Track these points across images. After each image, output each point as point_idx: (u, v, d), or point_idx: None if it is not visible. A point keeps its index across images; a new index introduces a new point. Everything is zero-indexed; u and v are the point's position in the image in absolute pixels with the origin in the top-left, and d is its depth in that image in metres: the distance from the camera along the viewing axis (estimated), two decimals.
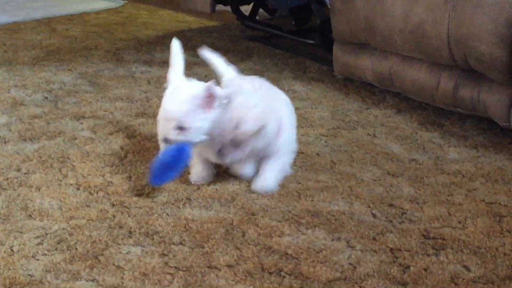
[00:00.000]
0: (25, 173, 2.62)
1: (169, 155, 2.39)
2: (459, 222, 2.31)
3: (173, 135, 2.37)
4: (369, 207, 2.42)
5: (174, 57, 2.71)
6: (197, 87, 2.43)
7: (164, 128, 2.41)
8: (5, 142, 2.88)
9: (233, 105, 2.41)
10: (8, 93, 3.44)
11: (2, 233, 2.21)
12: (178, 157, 2.39)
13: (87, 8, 5.25)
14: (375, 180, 2.61)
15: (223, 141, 2.41)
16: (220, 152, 2.42)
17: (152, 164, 2.44)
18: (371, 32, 3.27)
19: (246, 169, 2.55)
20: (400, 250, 2.15)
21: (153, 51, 4.19)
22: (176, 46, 2.72)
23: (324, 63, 3.94)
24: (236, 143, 2.40)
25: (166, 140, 2.39)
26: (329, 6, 3.62)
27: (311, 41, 4.08)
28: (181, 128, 2.37)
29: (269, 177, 2.53)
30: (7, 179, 2.57)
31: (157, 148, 2.80)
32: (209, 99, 2.37)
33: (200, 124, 2.38)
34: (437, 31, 2.94)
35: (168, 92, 2.52)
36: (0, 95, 3.40)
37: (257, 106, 2.43)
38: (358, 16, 3.31)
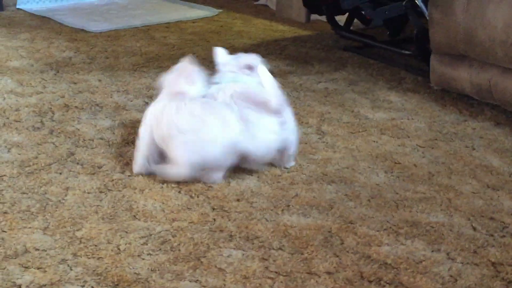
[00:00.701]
0: (129, 176, 2.71)
1: None
2: None
3: None
4: (469, 219, 2.39)
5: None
6: None
7: None
8: (109, 145, 2.99)
9: None
10: (111, 97, 3.57)
11: (109, 232, 2.30)
12: None
13: (184, 17, 5.37)
14: (474, 193, 2.58)
15: None
16: None
17: None
18: (470, 43, 3.24)
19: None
20: (502, 265, 2.12)
21: None
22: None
23: (420, 74, 3.91)
24: None
25: None
26: (427, 17, 3.60)
27: (407, 52, 4.06)
28: None
29: None
30: (112, 180, 2.67)
31: None
32: None
33: None
34: None
35: None
36: (103, 99, 3.53)
37: None
38: (458, 27, 3.28)
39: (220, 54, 2.98)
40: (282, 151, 2.73)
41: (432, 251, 2.20)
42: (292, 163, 2.80)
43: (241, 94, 2.73)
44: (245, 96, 2.73)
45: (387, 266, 2.12)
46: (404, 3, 3.90)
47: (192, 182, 2.64)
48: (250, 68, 2.86)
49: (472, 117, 3.31)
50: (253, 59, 2.90)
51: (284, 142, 2.71)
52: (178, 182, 2.64)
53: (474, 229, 2.33)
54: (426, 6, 3.70)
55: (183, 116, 2.61)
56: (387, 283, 2.03)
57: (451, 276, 2.07)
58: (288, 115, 2.77)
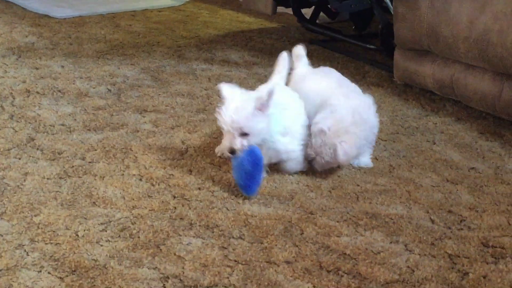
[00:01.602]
0: (89, 162, 2.69)
1: (246, 165, 2.45)
2: None
3: (238, 143, 2.44)
4: (428, 212, 2.42)
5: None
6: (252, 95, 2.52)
7: (226, 140, 2.48)
8: (70, 131, 2.96)
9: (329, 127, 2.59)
10: (73, 84, 3.53)
11: (68, 218, 2.28)
12: (255, 164, 2.45)
13: (150, 5, 5.34)
14: (434, 186, 2.61)
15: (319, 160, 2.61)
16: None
17: (235, 178, 2.50)
18: (434, 38, 3.27)
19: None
20: (459, 257, 2.15)
21: (214, 50, 4.24)
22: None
23: (384, 68, 3.94)
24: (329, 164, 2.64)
25: (232, 152, 2.46)
26: (392, 12, 3.62)
27: (371, 46, 4.08)
28: (244, 134, 2.44)
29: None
30: (72, 166, 2.65)
31: (218, 144, 2.85)
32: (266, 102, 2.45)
33: (260, 127, 2.46)
34: (502, 40, 2.92)
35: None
36: (65, 85, 3.49)
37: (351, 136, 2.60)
38: (422, 23, 3.30)
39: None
40: None
41: (391, 242, 2.22)
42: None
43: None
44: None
45: (346, 256, 2.13)
46: None
47: (153, 170, 2.63)
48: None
49: (433, 112, 3.34)
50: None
51: None
52: (139, 170, 2.63)
53: (432, 221, 2.36)
54: (391, 1, 3.73)
55: None
56: (346, 273, 2.04)
57: (408, 267, 2.09)
58: None
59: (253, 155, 2.44)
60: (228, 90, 2.50)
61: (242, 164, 2.44)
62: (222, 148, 2.56)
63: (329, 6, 4.35)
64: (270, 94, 2.43)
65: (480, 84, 3.14)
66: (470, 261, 2.12)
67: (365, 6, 4.00)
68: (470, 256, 2.15)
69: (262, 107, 2.44)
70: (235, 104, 2.44)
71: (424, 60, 3.43)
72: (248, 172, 2.44)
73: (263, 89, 2.56)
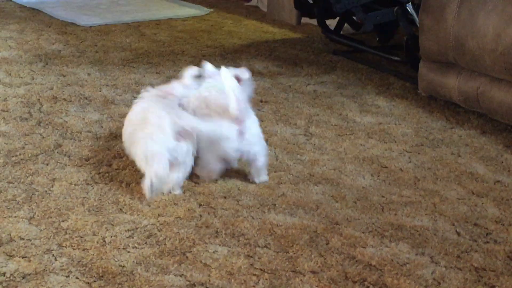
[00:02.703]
0: (116, 169, 2.71)
1: None
2: None
3: None
4: (453, 225, 2.41)
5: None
6: None
7: None
8: (97, 138, 2.98)
9: None
10: (100, 91, 3.56)
11: (95, 224, 2.30)
12: None
13: (174, 15, 5.37)
14: (459, 199, 2.61)
15: None
16: None
17: None
18: (460, 51, 3.26)
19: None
20: (485, 270, 2.14)
21: (238, 59, 4.26)
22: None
23: (408, 80, 3.94)
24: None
25: None
26: (417, 24, 3.62)
27: (396, 58, 4.08)
28: None
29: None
30: (99, 173, 2.67)
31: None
32: None
33: None
34: None
35: None
36: (92, 93, 3.52)
37: None
38: (448, 35, 3.30)
39: (209, 66, 2.78)
40: (249, 163, 2.64)
41: (416, 254, 2.22)
42: (265, 178, 2.67)
43: (201, 100, 2.63)
44: (205, 102, 2.62)
45: (372, 267, 2.13)
46: (395, 9, 3.92)
47: None
48: (238, 80, 2.66)
49: (458, 125, 3.34)
50: (242, 71, 2.73)
51: (245, 153, 2.60)
52: None
53: (458, 234, 2.35)
54: (417, 13, 3.73)
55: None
56: (371, 284, 2.04)
57: (434, 279, 2.08)
58: (253, 125, 2.63)
59: None
60: None
61: None
62: None
63: (354, 17, 4.36)
64: None
65: (506, 97, 3.13)
66: (496, 274, 2.12)
67: (391, 18, 4.01)
68: (496, 269, 2.14)
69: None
70: None
71: (449, 73, 3.43)
72: None
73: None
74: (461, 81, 3.36)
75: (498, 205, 2.56)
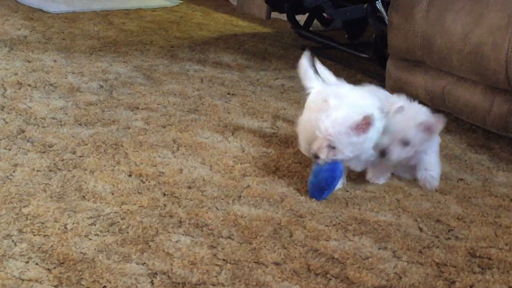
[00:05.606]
0: (80, 156, 2.68)
1: (323, 177, 2.49)
2: (506, 244, 2.31)
3: (324, 154, 2.45)
4: (416, 220, 2.43)
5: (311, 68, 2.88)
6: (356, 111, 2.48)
7: (315, 144, 2.49)
8: (61, 125, 2.94)
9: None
10: (65, 78, 3.52)
11: (57, 211, 2.27)
12: (331, 178, 2.49)
13: (143, 5, 5.33)
14: (422, 196, 2.62)
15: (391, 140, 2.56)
16: (386, 151, 2.56)
17: (309, 180, 2.53)
18: (428, 50, 3.29)
19: (382, 178, 2.69)
20: (446, 265, 2.16)
21: (206, 51, 4.24)
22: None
23: (376, 77, 3.96)
24: (405, 142, 2.56)
25: (316, 157, 2.48)
26: (386, 21, 3.64)
27: (364, 55, 4.10)
28: (333, 148, 2.45)
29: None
30: (62, 160, 2.63)
31: (209, 144, 2.85)
32: (364, 125, 2.44)
33: (352, 147, 2.46)
34: (496, 54, 2.94)
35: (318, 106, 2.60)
36: (57, 80, 3.48)
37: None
38: (416, 33, 3.32)
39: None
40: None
41: (379, 248, 2.23)
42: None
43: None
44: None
45: (334, 260, 2.14)
46: (365, 6, 3.94)
47: (143, 167, 2.62)
48: (429, 129, 2.64)
49: None
50: (437, 121, 2.66)
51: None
52: (129, 166, 2.62)
53: (421, 230, 2.37)
54: (386, 10, 3.75)
55: None
56: (334, 277, 2.05)
57: (396, 273, 2.10)
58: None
59: (335, 168, 2.48)
60: (335, 97, 2.51)
61: (321, 171, 2.48)
62: (311, 147, 2.52)
63: (324, 13, 4.37)
64: (369, 121, 2.43)
65: (471, 97, 3.16)
66: (457, 270, 2.14)
67: (360, 15, 4.02)
68: (457, 265, 2.16)
69: (358, 130, 2.44)
70: (336, 115, 2.44)
71: (416, 71, 3.45)
72: (324, 181, 2.48)
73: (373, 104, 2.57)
74: (428, 79, 3.38)
75: (460, 202, 2.59)
